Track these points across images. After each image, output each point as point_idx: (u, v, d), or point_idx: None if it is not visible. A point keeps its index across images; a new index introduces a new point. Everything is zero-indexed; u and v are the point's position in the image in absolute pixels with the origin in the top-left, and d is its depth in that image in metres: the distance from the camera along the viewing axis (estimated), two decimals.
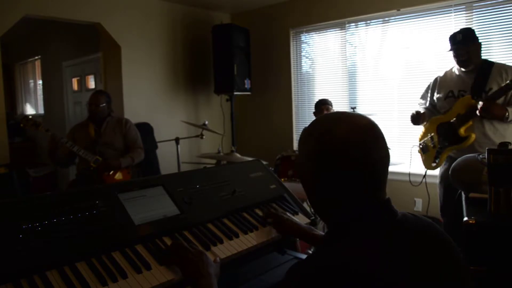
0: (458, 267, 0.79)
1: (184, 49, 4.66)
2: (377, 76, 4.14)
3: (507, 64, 2.63)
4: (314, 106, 3.84)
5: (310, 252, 3.25)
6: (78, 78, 5.65)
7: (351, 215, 0.78)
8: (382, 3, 3.88)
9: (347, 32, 4.29)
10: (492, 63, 2.58)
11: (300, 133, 3.99)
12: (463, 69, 2.60)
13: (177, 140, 3.80)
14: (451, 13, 3.57)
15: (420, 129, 2.88)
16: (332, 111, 3.75)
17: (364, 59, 4.22)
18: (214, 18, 4.87)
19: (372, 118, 0.83)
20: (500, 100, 2.46)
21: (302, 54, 4.74)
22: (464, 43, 2.53)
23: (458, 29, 2.64)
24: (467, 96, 2.54)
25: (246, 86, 4.53)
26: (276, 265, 1.33)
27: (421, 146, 2.85)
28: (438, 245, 0.79)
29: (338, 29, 4.35)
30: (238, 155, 3.45)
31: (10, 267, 0.91)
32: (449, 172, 2.06)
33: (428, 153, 2.78)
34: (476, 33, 2.60)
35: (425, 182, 2.96)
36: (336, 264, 0.69)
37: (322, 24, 4.43)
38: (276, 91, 4.86)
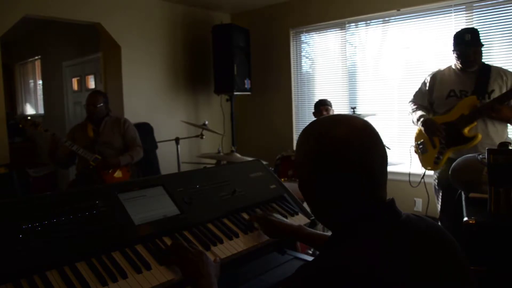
0: (461, 268, 0.79)
1: (184, 49, 4.66)
2: (377, 76, 4.14)
3: (503, 68, 2.64)
4: (313, 107, 3.84)
5: (310, 252, 3.25)
6: (78, 78, 5.65)
7: (352, 216, 0.78)
8: (382, 3, 3.88)
9: (347, 32, 4.29)
10: (489, 65, 2.60)
11: (300, 133, 3.97)
12: (465, 69, 2.59)
13: (177, 140, 3.80)
14: (451, 13, 3.57)
15: (415, 129, 2.86)
16: (331, 111, 3.75)
17: (364, 59, 4.22)
18: (214, 18, 4.87)
19: (372, 118, 0.84)
20: None
21: (302, 54, 4.74)
22: (474, 44, 2.53)
23: (462, 29, 2.64)
24: (472, 97, 2.53)
25: (246, 86, 4.54)
26: (276, 265, 1.32)
27: (420, 146, 2.81)
28: (441, 246, 0.79)
29: (338, 29, 4.35)
30: (238, 155, 3.45)
31: (10, 267, 0.91)
32: (449, 172, 2.06)
33: (428, 154, 2.75)
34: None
35: (424, 182, 2.95)
36: (338, 266, 0.69)
37: (322, 24, 4.43)
38: (276, 91, 4.86)
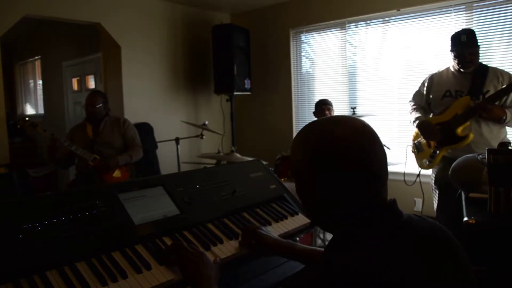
0: (463, 268, 0.79)
1: (184, 49, 4.67)
2: (377, 76, 4.14)
3: (500, 68, 2.65)
4: (314, 106, 3.84)
5: None
6: (78, 78, 5.65)
7: (354, 217, 0.78)
8: (382, 3, 3.88)
9: (347, 32, 4.29)
10: (486, 66, 2.61)
11: (296, 135, 3.96)
12: (462, 70, 2.61)
13: (177, 140, 3.80)
14: (451, 13, 3.57)
15: (413, 130, 2.88)
16: (333, 111, 3.75)
17: (364, 59, 4.22)
18: (214, 18, 4.87)
19: (372, 118, 0.84)
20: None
21: (302, 54, 4.74)
22: (470, 45, 2.55)
23: (460, 30, 2.65)
24: (466, 97, 2.56)
25: (246, 86, 4.53)
26: (276, 265, 1.32)
27: (416, 146, 2.86)
28: (444, 247, 0.79)
29: (338, 29, 4.35)
30: (238, 155, 3.45)
31: (10, 267, 0.91)
32: (449, 172, 2.06)
33: (423, 153, 2.80)
34: (477, 35, 2.62)
35: (420, 182, 2.97)
36: (343, 268, 0.68)
37: (322, 24, 4.43)
38: (276, 91, 4.87)
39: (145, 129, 3.94)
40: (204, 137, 3.90)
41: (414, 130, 2.89)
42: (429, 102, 2.80)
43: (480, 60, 2.63)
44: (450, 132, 2.59)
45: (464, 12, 3.51)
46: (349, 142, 0.76)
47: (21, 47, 6.64)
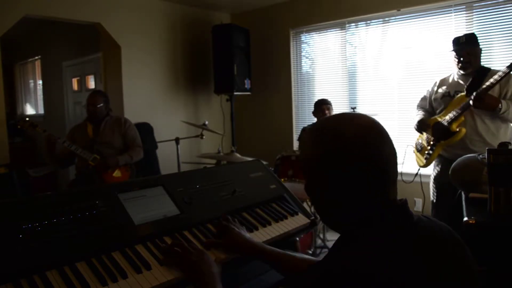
0: (471, 270, 0.78)
1: (184, 49, 4.66)
2: (377, 76, 4.14)
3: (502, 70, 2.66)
4: (313, 106, 3.84)
5: (310, 252, 3.25)
6: (78, 78, 5.65)
7: (364, 216, 0.77)
8: (382, 3, 3.88)
9: (347, 32, 4.29)
10: (488, 69, 2.62)
11: (307, 133, 3.97)
12: (462, 72, 2.64)
13: (177, 140, 3.79)
14: (451, 13, 3.57)
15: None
16: (332, 110, 3.76)
17: (364, 59, 4.22)
18: (214, 18, 4.87)
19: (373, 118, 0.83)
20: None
21: (302, 54, 4.74)
22: (467, 45, 2.59)
23: (461, 33, 2.70)
24: (461, 94, 2.61)
25: (246, 86, 4.53)
26: None
27: (417, 145, 2.90)
28: (453, 248, 0.78)
29: (338, 29, 4.35)
30: (238, 155, 3.45)
31: (10, 267, 0.91)
32: (449, 172, 2.07)
33: (422, 151, 2.85)
34: (477, 35, 2.66)
35: (421, 182, 2.99)
36: (352, 269, 0.68)
37: (322, 24, 4.43)
38: (276, 91, 4.86)
39: (145, 129, 3.94)
40: (204, 137, 3.90)
41: (415, 131, 2.92)
42: (432, 105, 2.85)
43: (481, 62, 2.65)
44: (446, 129, 2.63)
45: (464, 12, 3.51)
46: (358, 139, 0.76)
47: (21, 47, 6.64)
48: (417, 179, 3.05)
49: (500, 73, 2.40)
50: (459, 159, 2.07)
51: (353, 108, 3.59)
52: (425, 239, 0.75)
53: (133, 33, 4.13)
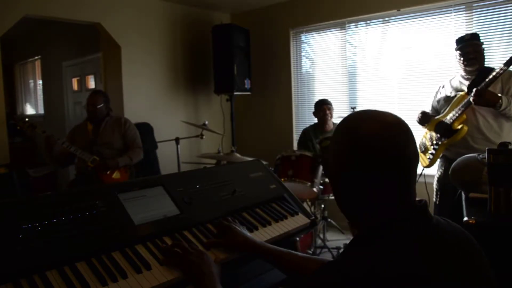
0: (487, 274, 0.78)
1: (184, 49, 4.66)
2: (377, 76, 4.14)
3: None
4: (314, 106, 3.84)
5: (310, 252, 3.25)
6: (78, 78, 5.65)
7: (385, 216, 0.75)
8: (382, 3, 3.88)
9: (347, 32, 4.29)
10: (492, 69, 2.61)
11: (300, 133, 4.02)
12: (468, 68, 2.62)
13: (177, 140, 3.79)
14: (451, 13, 3.57)
15: (424, 130, 2.92)
16: (332, 110, 3.76)
17: (364, 59, 4.22)
18: (214, 18, 4.87)
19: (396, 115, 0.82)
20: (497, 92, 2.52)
21: (302, 54, 4.74)
22: (472, 40, 2.60)
23: (461, 33, 2.72)
24: (462, 93, 2.61)
25: (246, 86, 4.53)
26: None
27: (421, 144, 2.90)
28: (470, 251, 0.78)
29: (338, 29, 4.35)
30: (238, 155, 3.45)
31: (10, 267, 0.91)
32: (449, 172, 2.07)
33: (425, 152, 2.86)
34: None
35: (425, 182, 2.97)
36: (371, 269, 0.67)
37: (322, 24, 4.43)
38: (276, 91, 4.86)
39: (145, 129, 3.94)
40: (204, 137, 3.90)
41: (419, 132, 2.93)
42: (436, 108, 2.87)
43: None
44: (448, 128, 2.63)
45: (464, 12, 3.51)
46: (382, 139, 0.74)
47: (21, 47, 6.64)
48: (421, 179, 3.05)
49: (498, 70, 2.40)
50: (459, 159, 2.07)
51: (353, 108, 3.59)
52: (445, 242, 0.74)
53: (133, 33, 4.13)
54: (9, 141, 3.62)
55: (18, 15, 3.40)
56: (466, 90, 2.62)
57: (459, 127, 2.58)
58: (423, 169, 2.90)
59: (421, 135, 2.93)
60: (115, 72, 4.16)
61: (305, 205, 3.11)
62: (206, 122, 3.78)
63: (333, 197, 3.28)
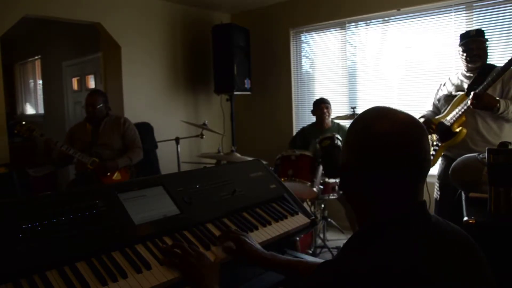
0: (486, 273, 0.78)
1: (184, 49, 4.66)
2: (377, 76, 4.14)
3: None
4: (312, 105, 3.85)
5: (310, 252, 3.25)
6: (78, 78, 5.65)
7: (386, 216, 0.75)
8: (382, 3, 3.88)
9: (347, 32, 4.29)
10: (494, 66, 2.60)
11: (296, 133, 4.02)
12: (470, 65, 2.61)
13: (177, 140, 3.79)
14: (451, 13, 3.57)
15: None
16: (331, 109, 3.77)
17: (364, 59, 4.22)
18: (214, 18, 4.87)
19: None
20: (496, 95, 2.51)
21: (302, 54, 4.73)
22: (477, 37, 2.58)
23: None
24: (462, 94, 2.60)
25: (246, 86, 4.53)
26: None
27: None
28: (469, 251, 0.78)
29: (338, 29, 4.35)
30: (238, 155, 3.45)
31: (10, 267, 0.91)
32: (449, 172, 2.06)
33: None
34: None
35: (426, 182, 2.97)
36: (377, 266, 0.66)
37: (322, 24, 4.43)
38: (276, 91, 4.86)
39: (145, 129, 3.94)
40: (204, 137, 3.90)
41: None
42: (437, 106, 2.86)
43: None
44: (447, 129, 2.63)
45: (464, 12, 3.51)
46: (396, 137, 0.73)
47: (21, 47, 6.64)
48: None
49: (494, 76, 2.39)
50: (459, 159, 2.07)
51: (353, 108, 3.58)
52: (444, 242, 0.74)
53: (133, 33, 4.12)
54: (9, 141, 3.61)
55: (18, 15, 3.39)
56: (466, 90, 2.61)
57: (458, 129, 2.57)
58: None
59: None
60: (115, 72, 4.16)
61: (305, 205, 3.11)
62: (206, 122, 3.78)
63: (333, 197, 3.29)
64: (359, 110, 3.78)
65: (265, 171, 1.64)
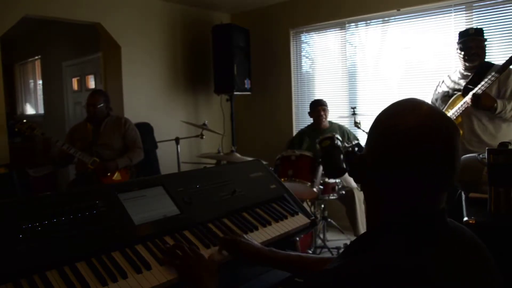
0: (494, 275, 0.77)
1: (184, 49, 4.66)
2: (377, 76, 4.14)
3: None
4: (309, 106, 3.86)
5: (310, 252, 3.25)
6: (78, 78, 5.65)
7: (408, 215, 0.71)
8: (382, 3, 3.88)
9: (347, 32, 4.29)
10: (492, 64, 2.60)
11: (293, 136, 4.02)
12: (468, 64, 2.60)
13: (177, 140, 3.79)
14: (451, 13, 3.57)
15: None
16: (327, 111, 3.78)
17: (364, 59, 4.22)
18: (214, 18, 4.87)
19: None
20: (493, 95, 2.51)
21: (302, 54, 4.73)
22: (477, 35, 2.57)
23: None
24: (458, 94, 2.60)
25: (246, 86, 4.53)
26: None
27: None
28: (482, 256, 0.76)
29: (338, 29, 4.35)
30: (238, 155, 3.45)
31: (10, 267, 0.91)
32: None
33: None
34: None
35: None
36: (378, 266, 0.65)
37: (322, 24, 4.43)
38: (276, 91, 4.86)
39: (145, 129, 3.93)
40: (204, 137, 3.90)
41: None
42: (434, 104, 2.84)
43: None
44: None
45: (464, 12, 3.51)
46: (419, 133, 0.68)
47: (21, 47, 6.64)
48: None
49: (490, 77, 2.39)
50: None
51: (353, 108, 3.58)
52: (454, 243, 0.73)
53: (133, 33, 4.12)
54: (9, 141, 3.61)
55: (18, 15, 3.39)
56: (462, 90, 2.60)
57: None
58: None
59: None
60: (115, 72, 4.16)
61: (305, 205, 3.11)
62: (206, 122, 3.78)
63: (333, 197, 3.29)
64: (359, 110, 3.78)
65: (265, 171, 1.64)
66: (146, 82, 4.29)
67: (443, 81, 2.83)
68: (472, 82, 2.55)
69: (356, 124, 3.28)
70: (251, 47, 4.63)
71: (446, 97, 2.70)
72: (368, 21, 4.15)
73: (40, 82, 6.58)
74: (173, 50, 4.54)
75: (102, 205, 1.15)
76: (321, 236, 3.59)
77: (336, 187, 3.29)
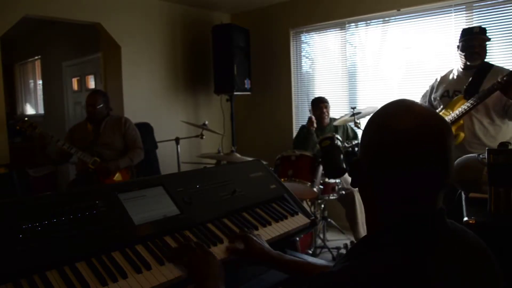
0: (499, 280, 0.77)
1: (184, 49, 4.66)
2: (377, 76, 4.14)
3: (505, 68, 2.63)
4: (311, 104, 3.86)
5: (310, 252, 3.25)
6: (78, 78, 5.65)
7: (405, 217, 0.71)
8: (382, 3, 3.88)
9: (347, 32, 4.29)
10: (491, 65, 2.59)
11: (298, 132, 4.02)
12: (469, 63, 2.59)
13: (177, 140, 3.79)
14: (451, 13, 3.57)
15: None
16: (329, 108, 3.78)
17: (364, 59, 4.22)
18: (214, 18, 4.87)
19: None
20: (499, 107, 2.48)
21: (302, 54, 4.73)
22: (481, 34, 2.55)
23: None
24: (459, 96, 2.58)
25: (246, 86, 4.53)
26: None
27: None
28: (485, 258, 0.76)
29: (338, 29, 4.35)
30: (238, 155, 3.45)
31: (10, 267, 0.91)
32: None
33: None
34: None
35: None
36: (387, 266, 0.65)
37: (322, 24, 4.43)
38: (276, 91, 4.86)
39: (145, 129, 3.93)
40: (204, 137, 3.90)
41: None
42: (431, 103, 2.82)
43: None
44: None
45: (464, 12, 3.51)
46: (417, 134, 0.68)
47: (21, 47, 6.64)
48: None
49: (495, 83, 2.35)
50: (458, 159, 2.06)
51: (353, 108, 3.58)
52: (455, 244, 0.73)
53: (133, 33, 4.13)
54: (9, 141, 3.61)
55: (18, 15, 3.40)
56: (462, 90, 2.58)
57: (456, 133, 2.55)
58: None
59: None
60: (115, 72, 4.16)
61: (305, 205, 3.11)
62: (206, 122, 3.78)
63: (333, 197, 3.29)
64: (359, 110, 3.78)
65: (265, 171, 1.64)
66: (146, 82, 4.29)
67: (438, 80, 2.79)
68: (472, 83, 2.54)
69: (356, 124, 3.28)
70: (251, 47, 4.63)
71: (446, 97, 2.69)
72: (368, 21, 4.15)
73: (40, 82, 6.58)
74: (173, 50, 4.54)
75: (102, 205, 1.14)
76: (321, 236, 3.59)
77: (336, 187, 3.29)
